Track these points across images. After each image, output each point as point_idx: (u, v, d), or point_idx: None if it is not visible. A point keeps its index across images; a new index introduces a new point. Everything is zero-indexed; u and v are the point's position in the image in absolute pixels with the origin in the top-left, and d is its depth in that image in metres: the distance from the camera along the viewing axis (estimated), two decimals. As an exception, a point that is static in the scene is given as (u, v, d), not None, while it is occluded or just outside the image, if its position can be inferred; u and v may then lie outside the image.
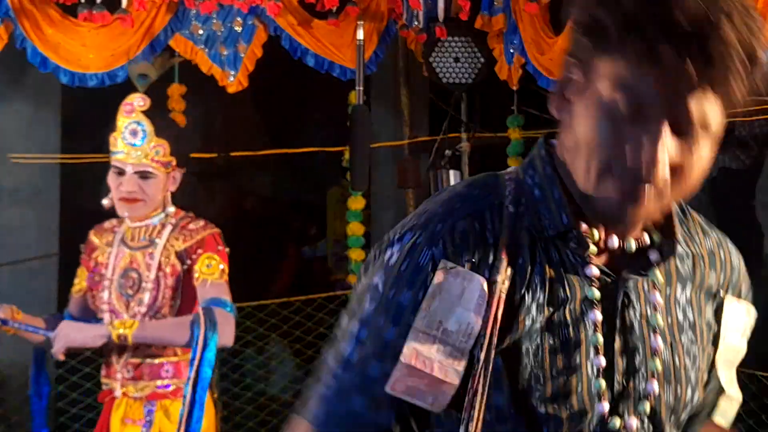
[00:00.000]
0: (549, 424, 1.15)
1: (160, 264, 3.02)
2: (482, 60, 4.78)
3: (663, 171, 1.07)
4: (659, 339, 1.16)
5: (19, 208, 6.20)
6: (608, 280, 1.16)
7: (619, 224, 1.15)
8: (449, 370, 1.14)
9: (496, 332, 1.13)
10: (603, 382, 1.14)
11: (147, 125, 3.04)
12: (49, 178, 6.40)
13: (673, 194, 1.12)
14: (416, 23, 4.69)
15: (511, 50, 4.66)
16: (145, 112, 3.15)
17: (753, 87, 1.10)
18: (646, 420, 1.16)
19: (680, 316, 1.19)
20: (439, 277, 1.15)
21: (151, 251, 3.04)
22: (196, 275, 2.97)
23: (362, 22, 4.54)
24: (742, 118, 4.23)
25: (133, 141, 3.04)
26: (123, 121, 3.03)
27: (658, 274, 1.18)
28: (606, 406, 1.14)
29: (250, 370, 5.66)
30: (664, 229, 1.19)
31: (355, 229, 5.21)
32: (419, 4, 4.52)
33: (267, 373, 5.85)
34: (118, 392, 3.08)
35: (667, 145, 1.06)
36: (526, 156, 4.11)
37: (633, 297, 1.17)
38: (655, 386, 1.15)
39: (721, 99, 1.08)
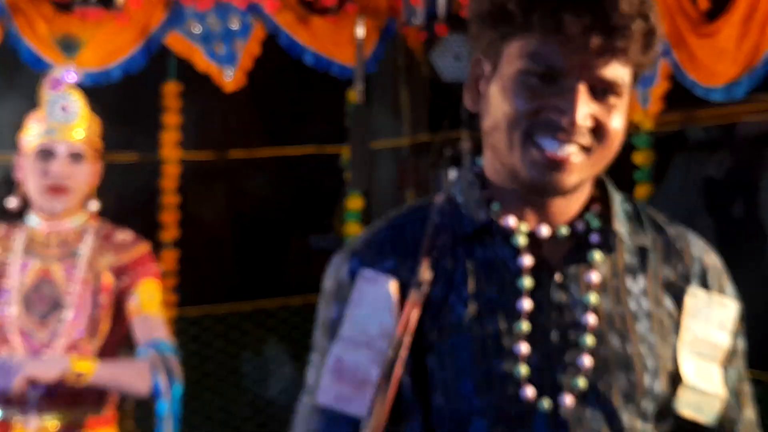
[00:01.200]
0: (484, 417, 1.18)
1: (86, 278, 2.58)
2: None
3: (583, 121, 1.09)
4: (590, 317, 1.17)
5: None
6: (540, 268, 1.19)
7: (549, 195, 1.16)
8: (372, 373, 1.17)
9: (410, 332, 1.16)
10: (522, 368, 1.15)
11: (79, 100, 2.65)
12: None
13: (592, 161, 1.13)
14: (416, 21, 4.70)
15: None
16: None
17: (652, 53, 1.15)
18: (590, 399, 1.18)
19: (633, 306, 1.20)
20: (358, 285, 1.20)
21: (72, 261, 2.58)
22: (134, 304, 2.57)
23: (362, 20, 4.57)
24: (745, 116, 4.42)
25: (65, 117, 2.61)
26: (50, 95, 2.61)
27: (596, 257, 1.19)
28: (530, 390, 1.15)
29: (248, 372, 5.59)
30: (604, 216, 1.22)
31: (354, 229, 5.05)
32: (419, 1, 4.55)
33: (265, 376, 5.77)
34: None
35: (585, 105, 1.09)
36: None
37: (567, 282, 1.19)
38: (585, 361, 1.16)
39: (626, 64, 1.12)
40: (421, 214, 1.24)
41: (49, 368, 2.49)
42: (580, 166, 1.12)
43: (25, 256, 2.51)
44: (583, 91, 1.10)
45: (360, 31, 4.54)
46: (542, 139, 1.11)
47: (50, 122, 2.56)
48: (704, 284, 1.24)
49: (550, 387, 1.16)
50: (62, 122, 2.56)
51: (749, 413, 1.29)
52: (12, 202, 2.53)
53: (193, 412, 5.55)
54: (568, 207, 1.21)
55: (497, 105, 1.14)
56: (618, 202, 1.25)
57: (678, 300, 1.22)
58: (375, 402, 1.17)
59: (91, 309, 2.50)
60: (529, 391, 1.15)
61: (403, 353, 1.16)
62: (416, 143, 5.60)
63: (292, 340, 5.48)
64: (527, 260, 1.17)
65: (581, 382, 1.16)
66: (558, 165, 1.11)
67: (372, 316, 1.19)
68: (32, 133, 2.57)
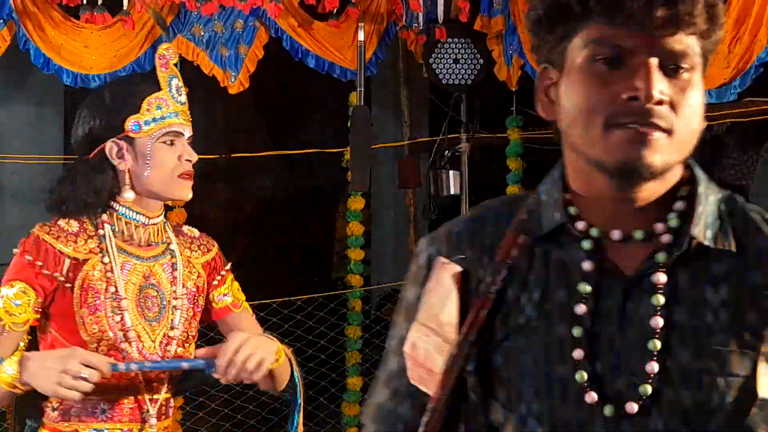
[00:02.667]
0: (541, 421, 1.14)
1: (185, 277, 2.42)
2: (481, 61, 4.79)
3: (661, 97, 1.05)
4: (658, 321, 1.11)
5: (23, 208, 6.17)
6: (614, 278, 1.14)
7: (639, 177, 1.10)
8: (438, 361, 1.15)
9: (475, 330, 1.14)
10: (584, 374, 1.11)
11: (181, 81, 2.45)
12: (52, 178, 6.62)
13: (675, 139, 1.09)
14: (416, 25, 4.71)
15: (510, 51, 4.68)
16: None
17: (718, 26, 1.10)
18: (654, 411, 1.11)
19: (709, 318, 1.12)
20: (434, 273, 1.18)
21: (170, 260, 2.38)
22: (229, 300, 2.47)
23: (362, 24, 4.57)
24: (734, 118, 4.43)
25: (182, 98, 2.40)
26: (164, 75, 2.39)
27: (662, 260, 1.13)
28: (593, 396, 1.10)
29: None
30: (686, 217, 1.14)
31: (355, 229, 5.17)
32: (419, 5, 4.54)
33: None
34: None
35: (659, 81, 1.05)
36: (524, 156, 3.87)
37: (637, 287, 1.13)
38: (654, 366, 1.09)
39: (693, 35, 1.08)
40: (508, 209, 1.23)
41: (270, 354, 2.35)
42: (664, 146, 1.08)
43: (120, 255, 2.30)
44: (654, 68, 1.06)
45: (361, 35, 4.55)
46: (622, 119, 1.07)
47: (173, 104, 2.37)
48: None
49: (615, 392, 1.13)
50: (181, 104, 2.37)
51: None
52: (130, 194, 2.26)
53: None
54: (649, 207, 1.15)
55: (570, 101, 1.12)
56: (709, 201, 1.18)
57: (763, 309, 1.14)
58: (434, 397, 1.16)
59: (193, 309, 2.40)
60: (594, 397, 1.12)
61: (465, 351, 1.15)
62: (416, 144, 5.60)
63: (297, 336, 5.38)
64: (588, 265, 1.14)
65: (647, 389, 1.11)
66: (643, 140, 1.07)
67: (442, 305, 1.18)
68: (155, 116, 2.34)
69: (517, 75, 4.68)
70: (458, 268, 1.15)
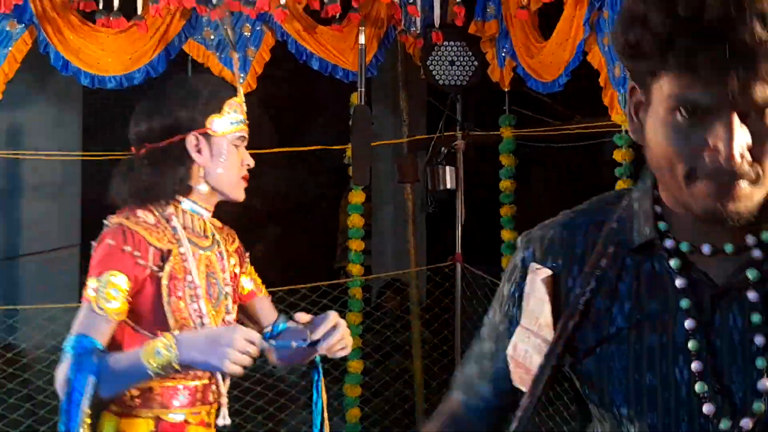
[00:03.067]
0: (634, 424, 1.16)
1: (227, 265, 2.50)
2: (476, 63, 4.84)
3: (743, 154, 1.04)
4: (760, 337, 1.11)
5: (43, 202, 6.37)
6: (703, 287, 1.14)
7: (719, 224, 1.10)
8: (535, 361, 1.18)
9: (565, 336, 1.15)
10: (703, 385, 1.11)
11: None
12: (71, 174, 6.51)
13: (761, 186, 1.07)
14: (414, 29, 4.76)
15: (503, 54, 4.73)
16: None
17: None
18: (763, 421, 1.11)
19: None
20: (530, 277, 1.21)
21: (218, 249, 2.46)
22: (253, 286, 2.56)
23: (363, 28, 4.61)
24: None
25: (245, 107, 2.55)
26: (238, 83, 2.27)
27: (751, 275, 1.12)
28: (710, 407, 1.11)
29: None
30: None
31: (356, 221, 5.19)
32: (417, 11, 4.59)
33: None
34: (226, 419, 2.46)
35: (741, 135, 1.03)
36: (516, 153, 4.03)
37: (729, 301, 1.13)
38: (766, 383, 1.09)
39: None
40: (601, 217, 1.22)
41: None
42: (749, 195, 1.05)
43: (190, 245, 2.37)
44: (735, 124, 1.03)
45: (362, 39, 4.57)
46: (705, 174, 1.05)
47: (244, 111, 2.47)
48: None
49: (727, 406, 1.12)
50: (245, 112, 2.49)
51: None
52: (204, 187, 2.32)
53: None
54: (738, 227, 1.12)
55: (654, 146, 1.10)
56: None
57: None
58: (528, 393, 1.16)
59: (235, 295, 2.47)
60: (711, 408, 1.11)
61: (553, 361, 1.15)
62: (414, 142, 5.63)
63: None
64: (681, 282, 1.13)
65: (762, 407, 1.10)
66: (727, 193, 1.05)
67: (540, 308, 1.19)
68: (232, 119, 2.42)
69: (509, 76, 4.72)
70: (549, 272, 1.18)
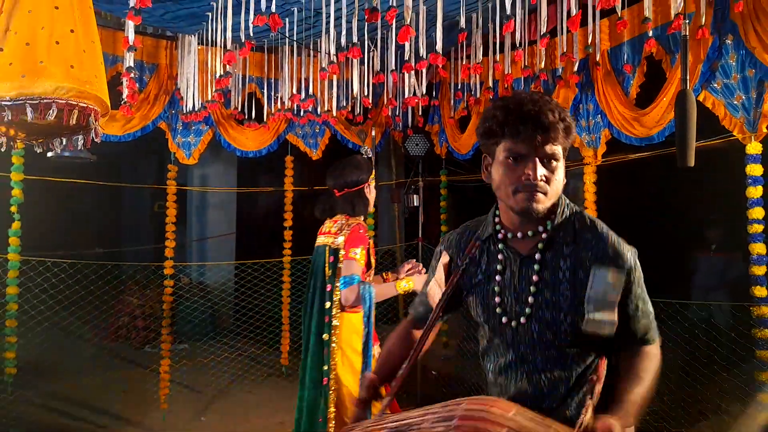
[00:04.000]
0: (488, 329, 1.37)
1: None
2: (428, 144, 5.33)
3: (541, 180, 1.19)
4: (536, 279, 1.26)
5: (218, 211, 7.75)
6: (516, 257, 1.29)
7: (529, 219, 1.23)
8: (437, 296, 1.35)
9: (452, 286, 1.32)
10: (499, 307, 1.29)
11: None
12: (230, 198, 7.83)
13: (548, 197, 1.22)
14: (398, 128, 5.40)
15: (441, 141, 5.20)
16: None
17: (571, 137, 1.24)
18: (533, 323, 1.28)
19: (560, 275, 1.25)
20: (441, 257, 1.40)
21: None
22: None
23: (374, 127, 5.13)
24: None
25: None
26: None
27: (545, 249, 1.26)
28: (503, 317, 1.29)
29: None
30: (552, 224, 1.28)
31: (369, 221, 5.27)
32: (399, 119, 5.21)
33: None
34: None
35: (540, 170, 1.19)
36: (448, 188, 5.66)
37: (528, 262, 1.28)
38: (531, 300, 1.26)
39: (557, 145, 1.22)
40: (475, 226, 1.37)
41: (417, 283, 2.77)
42: (543, 200, 1.23)
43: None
44: (537, 164, 1.18)
45: (373, 132, 4.95)
46: (522, 190, 1.22)
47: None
48: (602, 263, 1.27)
49: (513, 313, 1.29)
50: None
51: None
52: (371, 209, 2.67)
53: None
54: (536, 220, 1.28)
55: (497, 177, 1.25)
56: (565, 214, 1.29)
57: (588, 271, 1.27)
58: (434, 311, 1.35)
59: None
60: (504, 318, 1.30)
61: (446, 296, 1.33)
62: (398, 182, 6.17)
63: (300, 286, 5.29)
64: (501, 255, 1.29)
65: (527, 311, 1.27)
66: (532, 199, 1.21)
67: (440, 273, 1.38)
68: (372, 175, 2.73)
69: (444, 151, 5.20)
70: (447, 258, 1.36)
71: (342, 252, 2.60)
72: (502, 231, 1.33)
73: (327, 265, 2.68)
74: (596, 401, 1.23)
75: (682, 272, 5.54)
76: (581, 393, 1.28)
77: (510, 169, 1.26)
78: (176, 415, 4.67)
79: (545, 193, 1.25)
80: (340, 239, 2.63)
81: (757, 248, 3.10)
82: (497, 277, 1.32)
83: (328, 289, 2.64)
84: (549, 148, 1.24)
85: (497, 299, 1.32)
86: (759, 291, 3.08)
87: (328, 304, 2.63)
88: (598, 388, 1.25)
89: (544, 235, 1.30)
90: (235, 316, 6.05)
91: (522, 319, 1.29)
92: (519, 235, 1.30)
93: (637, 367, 1.28)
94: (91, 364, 5.61)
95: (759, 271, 3.09)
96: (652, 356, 1.32)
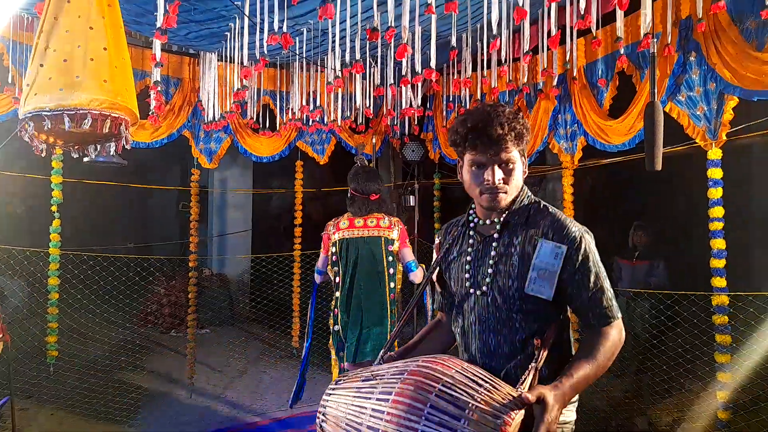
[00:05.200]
0: (458, 298, 1.41)
1: None
2: (423, 150, 5.40)
3: (499, 183, 1.26)
4: (494, 254, 1.32)
5: (236, 210, 7.69)
6: (481, 238, 1.36)
7: (493, 212, 1.31)
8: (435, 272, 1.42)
9: (438, 263, 1.42)
10: (468, 279, 1.34)
11: None
12: (246, 199, 7.73)
13: (509, 194, 1.29)
14: (396, 136, 5.41)
15: (435, 147, 5.22)
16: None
17: (525, 142, 1.28)
18: (491, 290, 1.33)
19: (512, 249, 1.31)
20: (438, 244, 1.48)
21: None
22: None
23: (375, 134, 5.27)
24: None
25: None
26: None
27: (501, 230, 1.32)
28: (470, 288, 1.34)
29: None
30: (511, 212, 1.35)
31: None
32: (397, 128, 5.16)
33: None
34: None
35: (497, 173, 1.25)
36: (443, 191, 5.74)
37: (488, 241, 1.34)
38: (489, 271, 1.30)
39: (512, 150, 1.26)
40: (463, 217, 1.45)
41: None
42: (504, 197, 1.30)
43: None
44: (495, 170, 1.25)
45: (374, 140, 5.21)
46: (484, 191, 1.28)
47: None
48: (548, 238, 1.31)
49: (476, 283, 1.33)
50: None
51: None
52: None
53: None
54: (501, 210, 1.35)
55: (467, 180, 1.33)
56: (523, 203, 1.33)
57: (534, 245, 1.30)
58: (424, 280, 1.44)
59: None
60: (470, 288, 1.34)
61: (434, 269, 1.43)
62: (397, 185, 6.05)
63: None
64: (471, 237, 1.36)
65: (488, 281, 1.31)
66: (495, 198, 1.28)
67: (436, 258, 1.46)
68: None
69: (437, 156, 5.24)
70: (438, 241, 1.47)
71: (398, 243, 2.79)
72: (474, 219, 1.40)
73: (385, 252, 2.84)
74: (540, 365, 1.23)
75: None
76: (524, 355, 1.29)
77: (474, 175, 1.32)
78: (200, 392, 4.69)
79: (505, 192, 1.31)
80: (395, 233, 2.82)
81: (717, 243, 3.09)
82: (467, 256, 1.37)
83: (391, 272, 2.82)
84: (503, 155, 1.29)
85: (467, 275, 1.36)
86: (718, 282, 3.08)
87: (392, 285, 2.81)
88: (543, 354, 1.25)
89: (501, 219, 1.35)
90: (251, 304, 6.26)
91: (484, 288, 1.33)
92: (487, 221, 1.36)
93: (591, 345, 1.27)
94: (123, 347, 5.65)
95: (718, 264, 3.08)
96: (609, 337, 1.29)
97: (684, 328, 3.58)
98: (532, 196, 1.40)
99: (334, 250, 2.95)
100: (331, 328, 3.05)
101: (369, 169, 3.03)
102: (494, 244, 1.34)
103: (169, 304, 6.52)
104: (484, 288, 1.33)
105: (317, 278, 3.04)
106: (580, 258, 1.30)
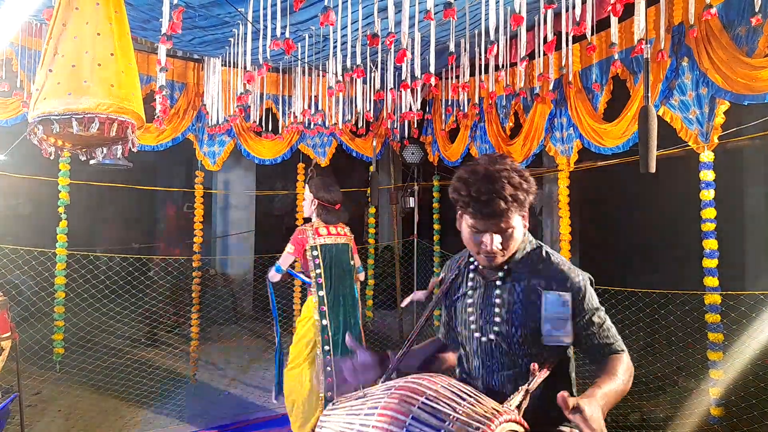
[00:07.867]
0: (462, 340, 1.39)
1: None
2: (422, 153, 5.43)
3: (496, 249, 1.25)
4: (498, 301, 1.31)
5: (239, 211, 7.61)
6: (483, 281, 1.34)
7: (493, 267, 1.33)
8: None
9: (443, 299, 1.38)
10: (473, 322, 1.30)
11: None
12: (250, 200, 7.68)
13: (505, 255, 1.28)
14: (396, 139, 5.34)
15: (434, 150, 5.17)
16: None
17: (526, 206, 1.24)
18: (497, 337, 1.31)
19: (515, 297, 1.30)
20: (443, 277, 1.45)
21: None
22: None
23: (375, 138, 5.10)
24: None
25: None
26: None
27: (504, 278, 1.31)
28: (477, 332, 1.29)
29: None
30: (512, 261, 1.35)
31: (371, 220, 5.36)
32: (397, 131, 5.13)
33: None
34: None
35: (495, 240, 1.25)
36: (442, 193, 5.55)
37: (491, 287, 1.33)
38: (497, 319, 1.28)
39: (513, 217, 1.24)
40: (462, 255, 1.46)
41: None
42: (501, 259, 1.31)
43: None
44: (493, 237, 1.24)
45: (374, 142, 5.00)
46: (482, 252, 1.28)
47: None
48: (548, 285, 1.31)
49: (482, 329, 1.31)
50: None
51: None
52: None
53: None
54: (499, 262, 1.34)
55: (465, 236, 1.29)
56: (526, 249, 1.31)
57: (539, 296, 1.29)
58: (419, 327, 1.35)
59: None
60: (477, 333, 1.30)
61: (437, 302, 1.38)
62: (396, 186, 6.17)
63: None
64: (472, 281, 1.35)
65: (496, 328, 1.29)
66: (492, 259, 1.28)
67: (444, 282, 1.46)
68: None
69: (437, 159, 5.15)
70: (440, 276, 1.45)
71: (353, 249, 3.16)
72: (475, 262, 1.39)
73: (350, 257, 3.19)
74: (533, 388, 1.24)
75: (643, 262, 5.62)
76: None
77: (472, 237, 1.32)
78: (204, 389, 4.68)
79: (503, 255, 1.31)
80: (352, 241, 3.19)
81: (710, 244, 3.09)
82: (469, 299, 1.37)
83: (355, 274, 3.20)
84: (504, 224, 1.29)
85: (471, 317, 1.36)
86: (710, 281, 3.08)
87: (356, 284, 3.19)
88: (539, 379, 1.26)
89: (505, 267, 1.36)
90: (254, 303, 6.27)
91: (490, 335, 1.33)
92: (486, 268, 1.36)
93: (611, 367, 1.28)
94: (129, 345, 5.63)
95: (711, 263, 3.08)
96: (624, 360, 1.31)
97: (677, 327, 3.60)
98: (534, 241, 1.39)
99: (315, 253, 3.12)
100: (318, 323, 3.17)
101: (330, 179, 3.17)
102: (497, 291, 1.34)
103: (173, 303, 6.50)
104: (491, 335, 1.33)
105: (276, 276, 3.13)
106: (585, 306, 1.32)
